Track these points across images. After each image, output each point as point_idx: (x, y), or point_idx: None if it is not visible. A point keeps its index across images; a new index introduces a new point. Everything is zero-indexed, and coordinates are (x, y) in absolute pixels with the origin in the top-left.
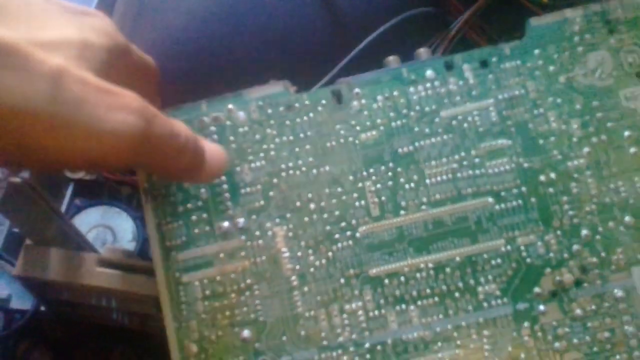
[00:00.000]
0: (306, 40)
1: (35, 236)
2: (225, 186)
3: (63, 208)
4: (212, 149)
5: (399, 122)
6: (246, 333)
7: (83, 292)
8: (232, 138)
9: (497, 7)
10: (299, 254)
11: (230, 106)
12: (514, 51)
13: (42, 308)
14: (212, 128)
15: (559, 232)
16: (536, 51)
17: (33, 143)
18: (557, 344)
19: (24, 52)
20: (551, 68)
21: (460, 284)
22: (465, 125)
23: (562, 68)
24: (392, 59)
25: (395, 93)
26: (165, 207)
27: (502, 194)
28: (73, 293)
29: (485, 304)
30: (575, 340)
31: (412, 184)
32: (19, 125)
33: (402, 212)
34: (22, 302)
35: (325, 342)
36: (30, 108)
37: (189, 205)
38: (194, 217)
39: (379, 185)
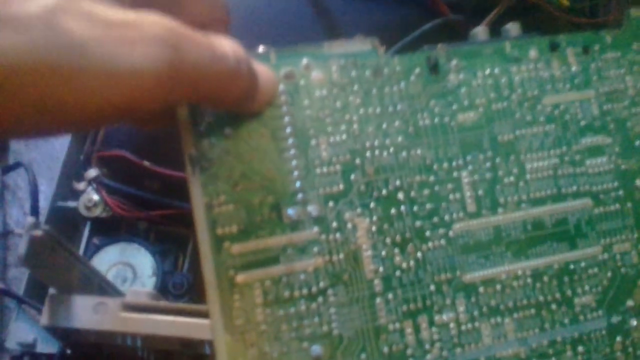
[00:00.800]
0: None
1: (59, 285)
2: (296, 162)
3: (81, 248)
4: (262, 69)
5: (499, 105)
6: (317, 349)
7: (108, 335)
8: (306, 102)
9: (515, 11)
10: (384, 253)
11: (305, 61)
12: (614, 41)
13: (68, 351)
14: (282, 87)
15: None
16: (635, 45)
17: (49, 100)
18: None
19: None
20: None
21: (558, 295)
22: (567, 116)
23: None
24: (480, 30)
25: (496, 70)
26: (218, 182)
27: (601, 196)
28: (99, 336)
29: (581, 317)
30: None
31: (512, 178)
32: (26, 83)
33: (500, 209)
34: (47, 346)
35: None
36: (30, 62)
37: (250, 184)
38: (255, 200)
39: (476, 177)
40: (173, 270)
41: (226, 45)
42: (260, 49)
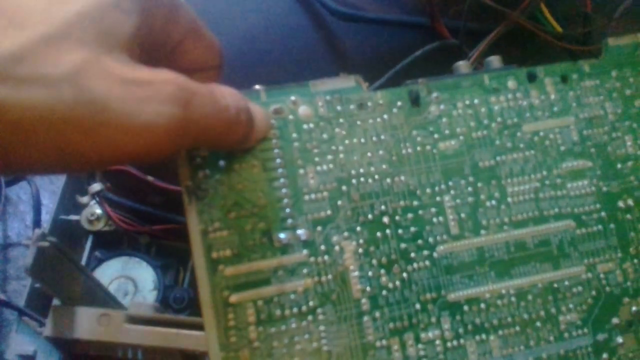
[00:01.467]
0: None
1: (63, 296)
2: (285, 190)
3: (83, 261)
4: (257, 111)
5: (479, 133)
6: None
7: (110, 347)
8: (295, 135)
9: (510, 37)
10: (370, 273)
11: (293, 98)
12: (593, 69)
13: None
14: (272, 121)
15: (635, 260)
16: (613, 72)
17: (70, 147)
18: None
19: (33, 59)
20: (627, 91)
21: (542, 313)
22: (547, 142)
23: (638, 92)
24: (462, 64)
25: (476, 101)
26: (212, 210)
27: (583, 217)
28: (100, 348)
29: (566, 334)
30: None
31: (494, 202)
32: (51, 132)
33: (482, 231)
34: (47, 358)
35: None
36: (57, 115)
37: (242, 211)
38: (247, 226)
39: (458, 201)
40: (174, 285)
41: (227, 96)
42: (256, 87)
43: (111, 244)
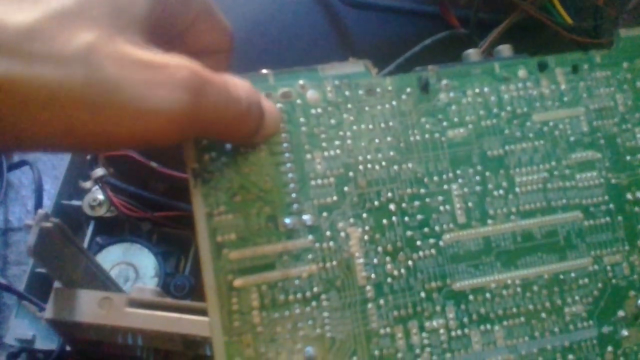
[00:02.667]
0: None
1: (65, 278)
2: (292, 175)
3: (85, 246)
4: (269, 108)
5: (489, 122)
6: (311, 351)
7: (110, 331)
8: (302, 120)
9: (521, 28)
10: (376, 260)
11: (301, 82)
12: (604, 60)
13: (67, 348)
14: (279, 105)
15: None
16: (625, 64)
17: (77, 126)
18: None
19: (45, 36)
20: (638, 83)
21: (548, 304)
22: (557, 132)
23: None
24: (472, 52)
25: (486, 89)
26: (218, 193)
27: (591, 209)
28: (100, 332)
29: (571, 326)
30: None
31: (501, 191)
32: (59, 111)
33: (489, 221)
34: (46, 342)
35: None
36: (65, 93)
37: (248, 195)
38: (253, 210)
39: (465, 189)
40: (175, 272)
41: (240, 88)
42: (263, 71)
43: (113, 230)
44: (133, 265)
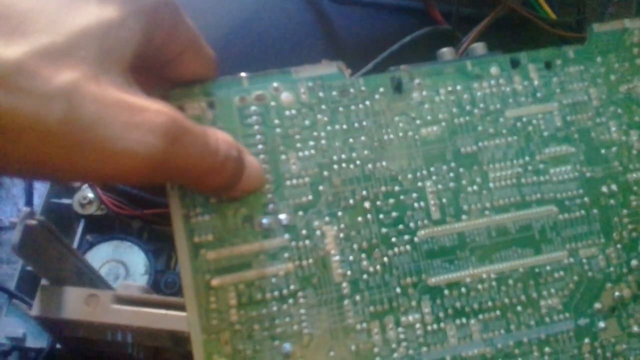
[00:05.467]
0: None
1: (51, 276)
2: (267, 176)
3: (75, 244)
4: (251, 164)
5: (461, 119)
6: (288, 347)
7: (99, 328)
8: (277, 121)
9: (504, 23)
10: (351, 258)
11: (275, 84)
12: (577, 55)
13: (58, 346)
14: (254, 108)
15: (618, 246)
16: (598, 58)
17: (48, 160)
18: None
19: (30, 71)
20: (612, 77)
21: (523, 297)
22: (530, 128)
23: (622, 78)
24: (446, 51)
25: (458, 87)
26: (195, 196)
27: (566, 203)
28: (89, 330)
29: (547, 319)
30: (631, 358)
31: (475, 187)
32: (33, 144)
33: (464, 216)
34: (37, 340)
35: (378, 359)
36: (42, 128)
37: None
38: (229, 211)
39: (440, 186)
40: (165, 269)
41: (220, 141)
42: (242, 74)
43: (103, 227)
44: (123, 262)
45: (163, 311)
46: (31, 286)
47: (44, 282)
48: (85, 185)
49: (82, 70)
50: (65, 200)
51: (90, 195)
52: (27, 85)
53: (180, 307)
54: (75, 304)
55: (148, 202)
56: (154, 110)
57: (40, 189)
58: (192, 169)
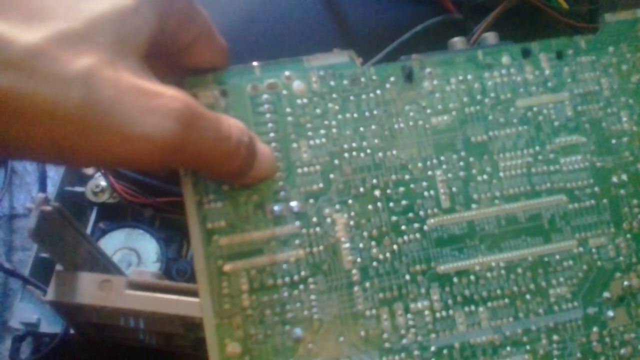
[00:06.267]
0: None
1: (66, 261)
2: (279, 164)
3: (88, 232)
4: (263, 151)
5: (472, 109)
6: (298, 332)
7: (112, 314)
8: (288, 110)
9: (516, 12)
10: (361, 245)
11: (287, 73)
12: (589, 45)
13: (71, 331)
14: (266, 96)
15: (628, 236)
16: (610, 48)
17: (66, 144)
18: (622, 350)
19: (49, 56)
20: (624, 67)
21: (532, 286)
22: (541, 117)
23: (634, 68)
24: (457, 40)
25: (469, 77)
26: (207, 182)
27: (576, 192)
28: (102, 315)
29: (556, 308)
30: None
31: (485, 176)
32: (51, 128)
33: (473, 205)
34: (51, 326)
35: (387, 345)
36: (60, 112)
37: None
38: (241, 198)
39: (450, 175)
40: (177, 257)
41: (233, 127)
42: (255, 64)
43: (115, 215)
44: (135, 250)
45: (175, 297)
46: (45, 273)
47: (58, 267)
48: (98, 174)
49: (99, 56)
50: (78, 189)
51: (103, 183)
52: (46, 69)
53: (193, 293)
54: (89, 289)
55: (160, 190)
56: (169, 95)
57: (54, 177)
58: (205, 154)
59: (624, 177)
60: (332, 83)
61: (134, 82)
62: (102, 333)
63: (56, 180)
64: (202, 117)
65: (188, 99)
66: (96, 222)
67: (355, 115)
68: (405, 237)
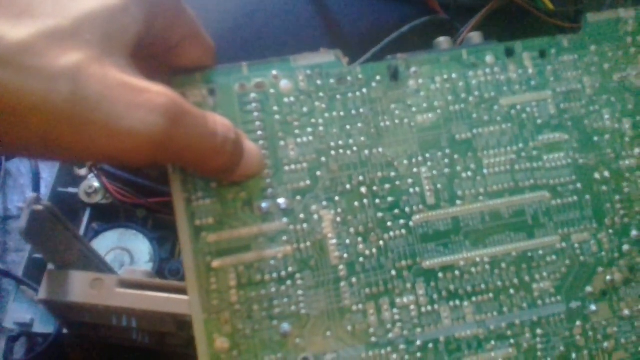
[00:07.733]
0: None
1: (58, 261)
2: (266, 161)
3: (81, 233)
4: (250, 149)
5: (457, 107)
6: (286, 327)
7: (104, 313)
8: (276, 108)
9: (502, 13)
10: (348, 241)
11: (275, 72)
12: (571, 44)
13: (65, 331)
14: (253, 95)
15: (610, 231)
16: (592, 47)
17: (54, 139)
18: (605, 344)
19: (37, 51)
20: (606, 66)
21: (516, 280)
22: (524, 115)
23: (616, 67)
24: (443, 40)
25: (454, 75)
26: (196, 180)
27: (559, 189)
28: (95, 315)
29: (539, 302)
30: (622, 340)
31: (469, 173)
32: (39, 122)
33: (458, 201)
34: (44, 326)
35: (373, 339)
36: (48, 106)
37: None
38: (229, 195)
39: (435, 172)
40: (170, 257)
41: (218, 124)
42: (243, 64)
43: (108, 216)
44: (128, 250)
45: (166, 295)
46: (38, 273)
47: (50, 266)
48: (91, 175)
49: (87, 52)
50: (72, 190)
51: (96, 184)
52: (34, 65)
53: (184, 291)
54: (81, 287)
55: (153, 191)
56: (155, 91)
57: (47, 178)
58: (192, 150)
59: (606, 173)
60: (318, 82)
61: (121, 78)
62: (95, 333)
63: (49, 181)
64: (188, 113)
65: (174, 95)
66: (89, 223)
67: (342, 113)
68: (391, 233)
